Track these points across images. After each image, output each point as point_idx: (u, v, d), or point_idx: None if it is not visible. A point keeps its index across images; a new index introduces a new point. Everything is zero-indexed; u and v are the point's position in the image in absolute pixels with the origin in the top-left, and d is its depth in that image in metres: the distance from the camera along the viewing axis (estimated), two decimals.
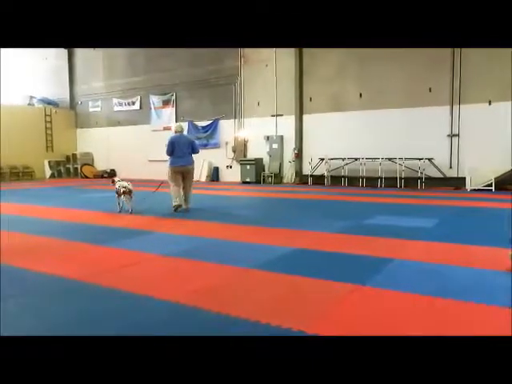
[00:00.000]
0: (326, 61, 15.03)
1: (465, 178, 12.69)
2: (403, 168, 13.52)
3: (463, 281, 3.56)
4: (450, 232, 5.79)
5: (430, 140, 13.39)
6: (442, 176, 13.26)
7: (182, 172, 8.03)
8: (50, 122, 21.09)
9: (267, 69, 16.38)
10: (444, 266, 4.03)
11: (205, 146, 18.12)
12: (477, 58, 12.58)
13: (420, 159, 13.21)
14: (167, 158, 8.21)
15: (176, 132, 8.29)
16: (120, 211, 7.77)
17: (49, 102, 21.63)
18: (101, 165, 21.46)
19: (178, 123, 9.46)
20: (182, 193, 8.08)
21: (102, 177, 20.49)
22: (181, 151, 7.97)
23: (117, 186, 7.74)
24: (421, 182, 13.26)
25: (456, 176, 13.14)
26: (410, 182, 13.45)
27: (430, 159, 13.24)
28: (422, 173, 13.23)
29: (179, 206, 7.88)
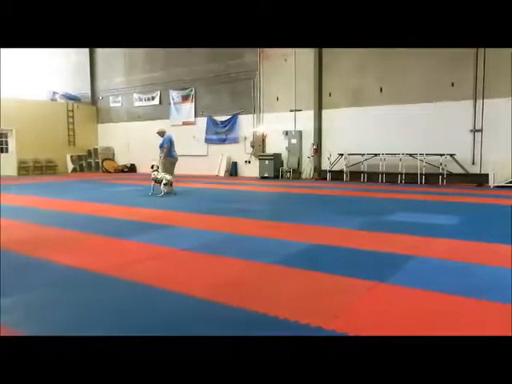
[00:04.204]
0: (346, 55, 14.87)
1: (488, 175, 12.44)
2: (424, 164, 13.31)
3: (487, 280, 3.49)
4: (473, 230, 5.69)
5: (452, 135, 13.15)
6: (464, 172, 13.00)
7: (175, 162, 10.68)
8: (72, 117, 21.45)
9: (286, 63, 16.30)
10: (466, 264, 3.97)
11: (223, 141, 18.21)
12: (501, 51, 12.27)
13: (442, 155, 12.99)
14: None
15: (165, 133, 10.68)
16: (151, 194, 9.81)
17: (71, 98, 21.99)
18: (121, 159, 21.74)
19: (161, 127, 11.47)
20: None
21: (123, 171, 20.77)
22: (174, 146, 10.63)
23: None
24: (442, 179, 13.04)
25: (479, 172, 12.88)
26: (431, 179, 13.25)
27: (451, 155, 13.00)
28: (443, 169, 13.01)
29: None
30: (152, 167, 9.90)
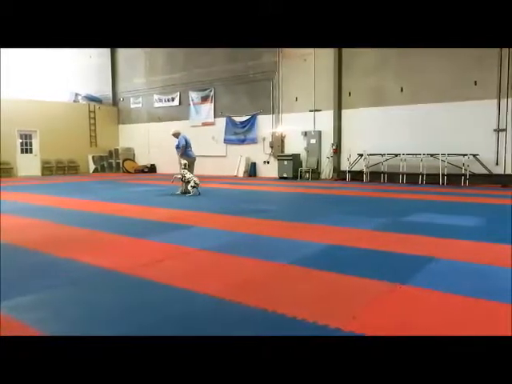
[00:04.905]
0: (366, 54, 14.73)
1: None
2: (446, 164, 13.08)
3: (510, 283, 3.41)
4: (496, 231, 5.56)
5: (474, 135, 12.89)
6: (487, 173, 12.73)
7: (194, 162, 10.77)
8: (94, 118, 21.81)
9: (306, 63, 16.24)
10: (489, 266, 3.88)
11: (242, 142, 18.25)
12: None
13: (464, 155, 12.74)
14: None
15: (180, 134, 10.70)
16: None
17: (93, 99, 22.37)
18: (141, 160, 22.00)
19: (176, 128, 11.39)
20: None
21: (143, 171, 21.02)
22: (190, 146, 10.78)
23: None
24: (465, 179, 12.79)
25: (503, 173, 12.58)
26: (453, 179, 13.01)
27: (474, 155, 12.75)
28: (466, 169, 12.76)
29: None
30: (184, 165, 10.27)
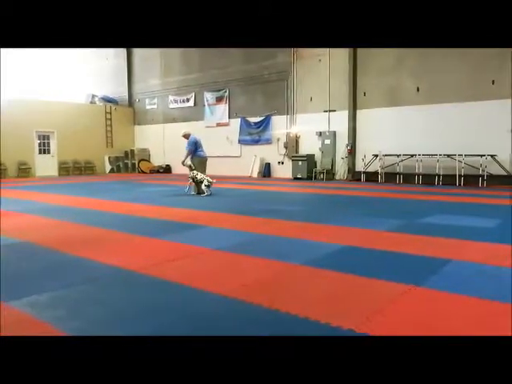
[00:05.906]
0: (381, 54, 14.60)
1: None
2: (463, 165, 12.89)
3: None
4: None
5: (492, 135, 12.67)
6: (505, 174, 12.50)
7: (205, 162, 10.84)
8: (110, 119, 22.06)
9: (320, 63, 16.17)
10: (507, 269, 3.81)
11: (257, 142, 18.26)
12: None
13: (482, 156, 12.54)
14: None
15: (190, 135, 10.82)
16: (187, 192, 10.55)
17: (109, 100, 22.63)
18: (157, 160, 22.18)
19: (186, 130, 11.52)
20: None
21: (158, 172, 21.18)
22: (201, 147, 10.84)
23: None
24: (482, 180, 12.59)
25: None
26: (471, 180, 12.81)
27: (492, 156, 12.53)
28: (483, 170, 12.56)
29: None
30: (190, 167, 10.35)
